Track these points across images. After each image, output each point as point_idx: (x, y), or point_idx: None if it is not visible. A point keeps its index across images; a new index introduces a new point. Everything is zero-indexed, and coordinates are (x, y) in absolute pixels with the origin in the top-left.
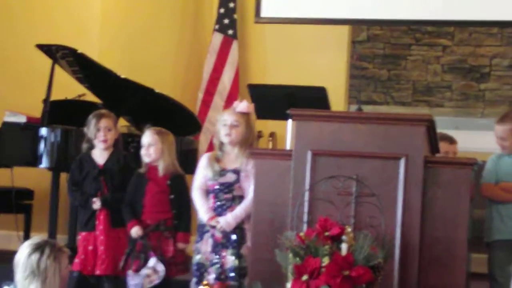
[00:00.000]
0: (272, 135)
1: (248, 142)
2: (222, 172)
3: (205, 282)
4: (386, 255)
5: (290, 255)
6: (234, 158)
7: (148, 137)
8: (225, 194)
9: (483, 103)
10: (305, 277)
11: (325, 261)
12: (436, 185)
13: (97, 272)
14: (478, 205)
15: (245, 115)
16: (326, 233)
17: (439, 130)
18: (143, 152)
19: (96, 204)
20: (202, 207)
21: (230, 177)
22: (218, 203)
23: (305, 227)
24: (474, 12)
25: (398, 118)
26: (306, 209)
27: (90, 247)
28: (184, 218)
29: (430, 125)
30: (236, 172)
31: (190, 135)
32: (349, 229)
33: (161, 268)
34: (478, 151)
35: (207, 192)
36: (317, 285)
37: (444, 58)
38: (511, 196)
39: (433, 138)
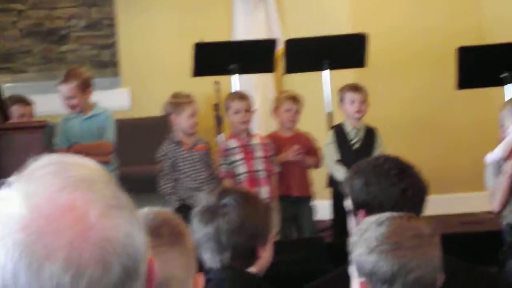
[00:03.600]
0: None
1: None
2: None
3: None
4: None
5: None
6: None
7: None
8: None
9: (65, 65)
10: None
11: None
12: (9, 151)
13: None
14: None
15: None
16: None
17: (27, 95)
18: None
19: None
20: None
21: None
22: None
23: None
24: None
25: None
26: None
27: None
28: None
29: None
30: None
31: None
32: None
33: None
34: (65, 113)
35: None
36: None
37: (20, 23)
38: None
39: (2, 105)
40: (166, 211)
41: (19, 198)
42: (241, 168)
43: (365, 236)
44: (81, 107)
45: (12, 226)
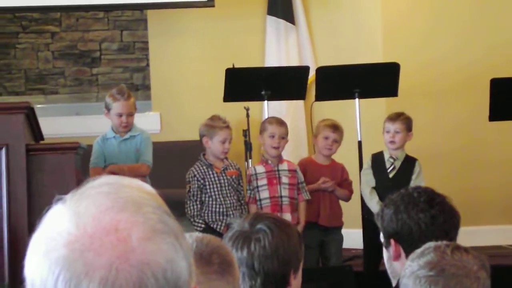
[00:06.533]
0: None
1: None
2: None
3: None
4: None
5: None
6: None
7: None
8: None
9: (97, 87)
10: None
11: None
12: (41, 172)
13: None
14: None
15: None
16: None
17: (58, 117)
18: None
19: None
20: None
21: None
22: None
23: None
24: None
25: None
26: None
27: None
28: None
29: (30, 113)
30: None
31: None
32: None
33: None
34: (96, 134)
35: None
36: None
37: (53, 45)
38: None
39: (35, 125)
40: (218, 238)
41: (69, 215)
42: (264, 193)
43: (410, 264)
44: (130, 127)
45: (58, 242)
